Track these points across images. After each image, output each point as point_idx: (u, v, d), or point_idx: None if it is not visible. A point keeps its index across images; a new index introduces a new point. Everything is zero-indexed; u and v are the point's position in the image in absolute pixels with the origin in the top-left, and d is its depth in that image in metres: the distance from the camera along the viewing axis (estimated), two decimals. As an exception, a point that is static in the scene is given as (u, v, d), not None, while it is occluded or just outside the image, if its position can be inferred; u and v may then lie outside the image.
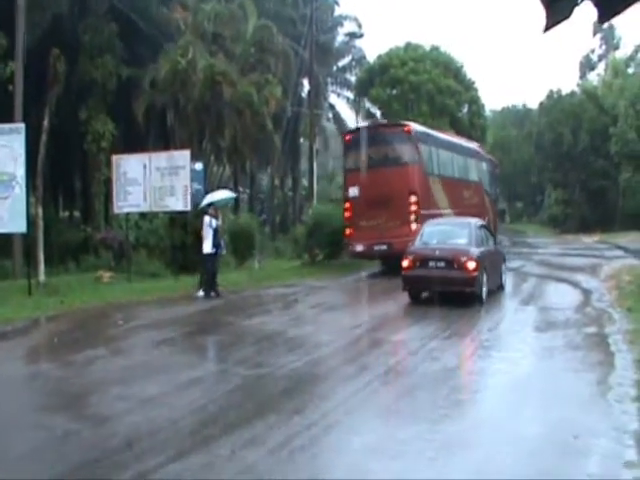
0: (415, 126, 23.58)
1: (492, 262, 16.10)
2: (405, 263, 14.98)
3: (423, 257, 14.86)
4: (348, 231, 22.62)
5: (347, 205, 22.89)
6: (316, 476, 5.46)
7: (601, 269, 21.55)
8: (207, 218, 16.57)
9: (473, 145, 31.17)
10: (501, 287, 17.11)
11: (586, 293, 16.25)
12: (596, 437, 6.03)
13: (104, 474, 5.36)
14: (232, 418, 6.82)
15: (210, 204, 17.00)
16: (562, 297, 15.98)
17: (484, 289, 14.84)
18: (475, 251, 14.84)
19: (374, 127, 25.53)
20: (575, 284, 18.11)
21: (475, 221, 17.12)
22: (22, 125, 16.94)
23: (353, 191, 22.62)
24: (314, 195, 42.29)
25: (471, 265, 14.31)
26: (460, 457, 5.73)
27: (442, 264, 14.52)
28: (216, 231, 16.52)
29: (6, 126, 16.97)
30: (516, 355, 9.71)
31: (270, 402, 7.49)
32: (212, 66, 27.16)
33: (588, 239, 39.14)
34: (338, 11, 48.82)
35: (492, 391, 8.16)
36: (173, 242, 21.37)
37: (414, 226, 19.82)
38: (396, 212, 21.17)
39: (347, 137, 24.54)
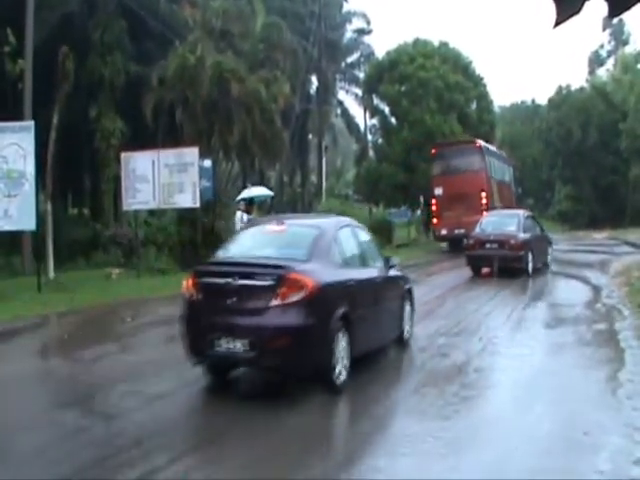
0: (482, 142, 31.11)
1: (538, 244, 19.93)
2: (468, 245, 19.73)
3: (482, 240, 19.16)
4: (435, 220, 30.26)
5: (434, 201, 30.20)
6: (325, 474, 5.46)
7: (611, 265, 21.45)
8: (239, 213, 16.49)
9: (504, 153, 38.78)
10: (546, 265, 20.70)
11: (596, 289, 16.19)
12: (606, 434, 6.00)
13: (111, 472, 5.35)
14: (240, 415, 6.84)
15: (242, 199, 16.93)
16: (572, 293, 15.94)
17: (530, 265, 18.81)
18: (522, 235, 18.96)
19: (452, 144, 31.92)
20: (585, 280, 18.05)
21: (523, 212, 21.79)
22: (31, 123, 16.98)
23: (438, 191, 29.78)
24: (323, 191, 42.31)
25: (518, 246, 18.55)
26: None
27: (496, 245, 18.78)
28: None
29: (16, 124, 17.03)
30: (525, 351, 9.70)
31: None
32: (221, 63, 27.11)
33: (598, 235, 38.96)
34: (346, 7, 48.89)
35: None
36: (182, 239, 21.37)
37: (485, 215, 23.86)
38: (471, 205, 27.71)
39: (433, 151, 31.12)
